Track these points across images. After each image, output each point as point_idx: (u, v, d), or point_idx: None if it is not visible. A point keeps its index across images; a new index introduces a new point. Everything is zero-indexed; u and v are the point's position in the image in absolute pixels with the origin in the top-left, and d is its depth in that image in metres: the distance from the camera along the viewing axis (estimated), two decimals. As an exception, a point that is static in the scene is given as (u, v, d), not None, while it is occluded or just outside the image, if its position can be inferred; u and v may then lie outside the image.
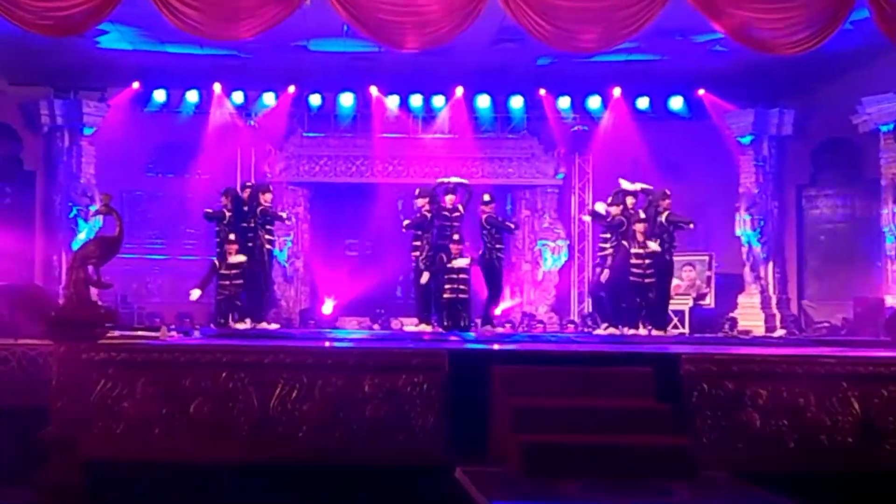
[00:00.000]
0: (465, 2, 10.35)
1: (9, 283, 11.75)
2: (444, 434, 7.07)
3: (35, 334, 7.35)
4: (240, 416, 7.06)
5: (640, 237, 11.75)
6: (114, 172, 15.89)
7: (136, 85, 16.12)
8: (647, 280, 11.73)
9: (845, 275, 15.34)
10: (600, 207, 12.75)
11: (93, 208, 15.26)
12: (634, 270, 11.76)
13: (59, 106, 15.95)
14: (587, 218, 12.74)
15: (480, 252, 12.15)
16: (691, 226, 12.31)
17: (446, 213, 12.00)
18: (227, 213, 12.08)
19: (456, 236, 11.81)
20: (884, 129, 14.41)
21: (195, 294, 12.09)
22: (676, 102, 16.53)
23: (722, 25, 10.51)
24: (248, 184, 12.87)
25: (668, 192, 12.14)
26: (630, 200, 12.18)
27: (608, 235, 12.26)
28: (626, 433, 6.79)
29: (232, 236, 11.82)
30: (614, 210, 12.15)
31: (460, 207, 12.06)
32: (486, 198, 12.35)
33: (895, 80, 13.90)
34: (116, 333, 8.40)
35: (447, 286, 11.69)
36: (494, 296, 12.50)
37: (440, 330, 11.66)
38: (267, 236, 12.08)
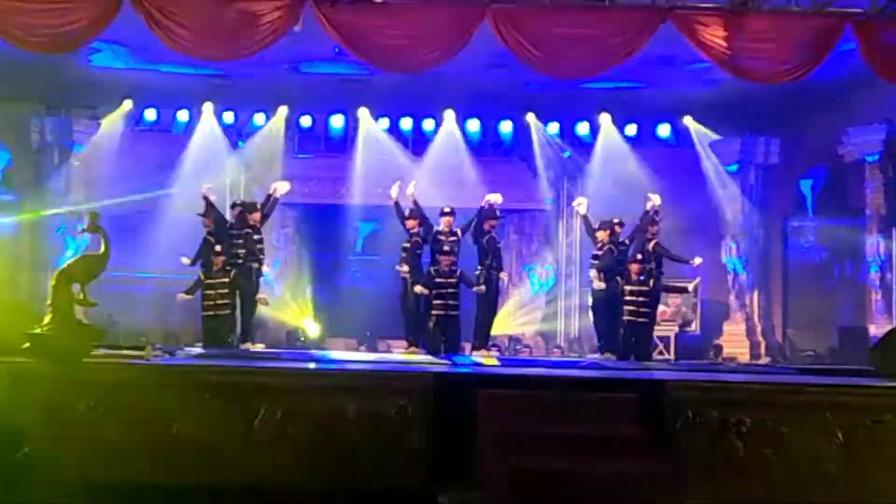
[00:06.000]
0: (456, 27, 10.47)
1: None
2: (428, 458, 7.04)
3: (19, 353, 7.31)
4: (224, 437, 7.02)
5: (634, 276, 11.68)
6: (103, 190, 15.86)
7: (127, 105, 16.13)
8: (640, 319, 11.67)
9: (830, 304, 15.38)
10: (582, 204, 12.64)
11: (80, 226, 15.22)
12: (629, 308, 11.64)
13: (49, 123, 15.95)
14: (579, 207, 12.57)
15: (477, 272, 11.97)
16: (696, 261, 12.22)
17: (441, 238, 11.95)
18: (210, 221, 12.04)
19: (447, 248, 11.69)
20: (869, 159, 14.52)
21: (182, 297, 12.02)
22: (664, 130, 16.65)
23: (709, 55, 10.64)
24: (238, 203, 12.84)
25: (657, 219, 12.16)
26: (618, 228, 12.19)
27: (599, 263, 12.16)
28: (612, 459, 6.77)
29: (218, 248, 11.78)
30: (601, 234, 12.15)
31: (458, 232, 12.00)
32: (497, 212, 12.26)
33: (880, 110, 14.04)
34: (101, 352, 8.37)
35: (436, 301, 11.58)
36: (488, 318, 12.23)
37: (428, 352, 11.61)
38: (253, 256, 12.03)
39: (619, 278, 11.78)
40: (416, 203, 12.01)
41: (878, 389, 7.55)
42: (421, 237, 11.94)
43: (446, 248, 11.70)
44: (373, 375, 7.50)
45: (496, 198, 12.29)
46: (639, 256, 11.75)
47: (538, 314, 17.10)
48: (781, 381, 8.23)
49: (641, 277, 11.65)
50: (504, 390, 7.52)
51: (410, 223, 12.03)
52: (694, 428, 7.09)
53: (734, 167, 16.45)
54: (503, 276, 11.89)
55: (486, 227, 11.97)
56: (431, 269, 11.63)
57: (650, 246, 11.94)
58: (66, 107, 16.07)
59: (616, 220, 12.22)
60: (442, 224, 11.97)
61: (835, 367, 11.46)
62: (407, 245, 11.98)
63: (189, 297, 11.96)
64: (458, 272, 11.69)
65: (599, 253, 12.08)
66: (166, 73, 14.57)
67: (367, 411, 7.08)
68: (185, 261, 11.99)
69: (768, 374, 10.65)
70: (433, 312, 11.60)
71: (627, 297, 11.66)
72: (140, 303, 16.33)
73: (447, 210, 12.16)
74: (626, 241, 12.15)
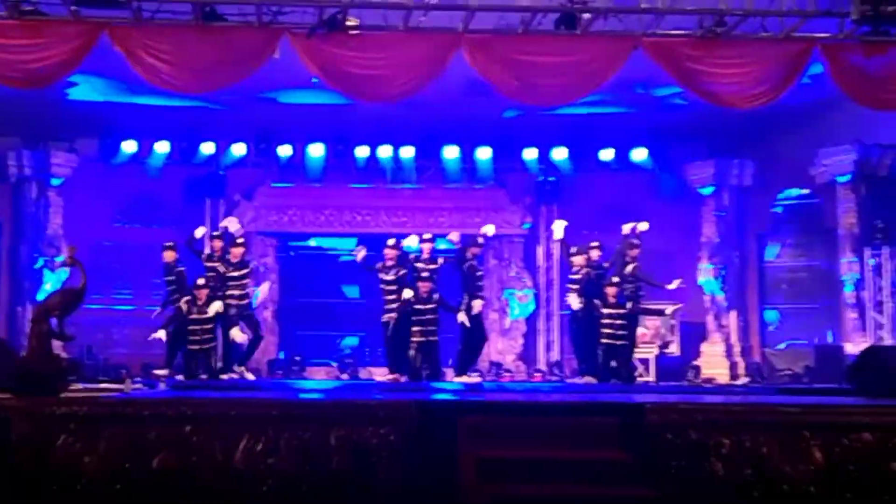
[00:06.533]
0: (431, 57, 10.57)
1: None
2: (411, 486, 7.02)
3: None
4: (205, 469, 6.96)
5: (611, 299, 11.75)
6: (81, 223, 15.84)
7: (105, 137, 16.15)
8: (618, 342, 11.73)
9: (806, 323, 15.52)
10: (559, 228, 12.71)
11: (59, 259, 15.19)
12: (606, 331, 11.71)
13: (27, 157, 15.93)
14: (556, 231, 12.67)
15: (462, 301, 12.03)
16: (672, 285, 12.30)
17: (420, 265, 11.99)
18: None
19: (425, 274, 11.73)
20: (840, 180, 14.68)
21: (160, 334, 12.00)
22: (639, 154, 16.74)
23: (681, 81, 10.79)
24: (217, 234, 12.83)
25: (637, 242, 12.24)
26: (595, 253, 12.26)
27: (576, 287, 12.24)
28: (593, 484, 6.78)
29: (201, 280, 11.77)
30: (578, 260, 12.22)
31: (438, 259, 12.07)
32: (480, 240, 12.35)
33: (851, 132, 14.21)
34: (79, 386, 8.35)
35: (415, 328, 11.60)
36: (473, 345, 12.25)
37: (409, 379, 11.62)
38: (235, 290, 12.02)
39: (596, 301, 11.85)
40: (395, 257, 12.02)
41: (854, 408, 7.61)
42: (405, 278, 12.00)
43: (425, 274, 11.76)
44: (355, 405, 7.48)
45: (489, 229, 12.43)
46: (615, 280, 11.83)
47: (518, 339, 17.15)
48: (759, 402, 8.26)
49: (618, 300, 11.72)
50: (485, 416, 7.52)
51: (389, 252, 12.09)
52: (674, 450, 7.08)
53: (709, 189, 16.58)
54: (476, 303, 11.92)
55: (469, 254, 12.06)
56: (410, 295, 11.68)
57: (629, 269, 12.02)
58: (43, 140, 16.06)
59: (593, 244, 12.31)
60: (423, 251, 12.04)
61: (812, 387, 11.57)
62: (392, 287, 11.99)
63: (164, 333, 11.94)
64: (437, 297, 11.74)
65: (577, 277, 12.16)
66: (144, 105, 14.60)
67: (350, 440, 7.04)
68: (161, 334, 11.95)
69: (746, 394, 10.72)
70: (413, 340, 11.64)
71: (604, 321, 11.72)
72: (119, 335, 16.30)
73: (427, 237, 12.24)
74: (605, 265, 12.24)
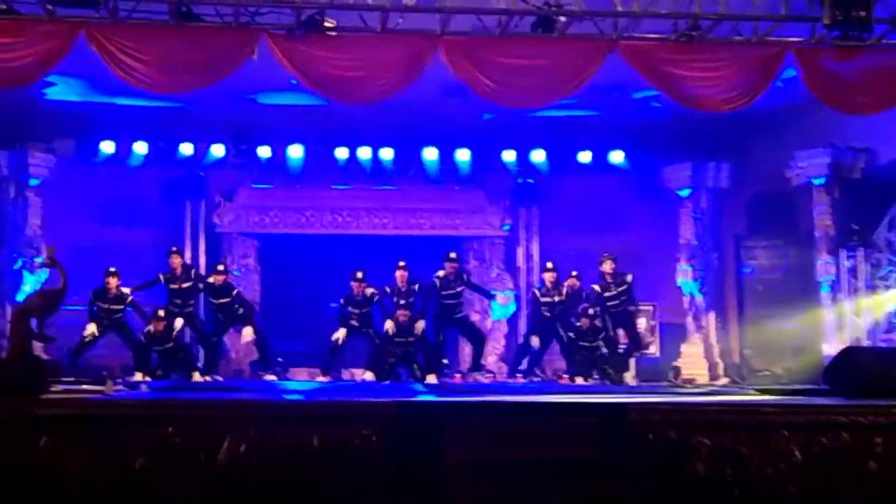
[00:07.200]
0: (410, 58, 10.62)
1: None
2: (395, 489, 7.03)
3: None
4: (187, 471, 6.96)
5: (585, 327, 12.39)
6: (60, 224, 15.71)
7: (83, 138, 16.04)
8: (595, 342, 12.32)
9: (784, 323, 15.49)
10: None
11: (38, 260, 15.07)
12: (582, 343, 12.39)
13: (4, 157, 15.76)
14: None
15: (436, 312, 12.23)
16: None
17: (398, 290, 12.18)
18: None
19: (402, 301, 11.86)
20: (815, 182, 14.77)
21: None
22: (617, 156, 16.78)
23: (656, 84, 10.92)
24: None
25: (608, 254, 12.43)
26: (575, 282, 12.75)
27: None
28: (576, 484, 6.90)
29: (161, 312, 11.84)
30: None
31: (415, 288, 12.18)
32: (452, 255, 12.49)
33: (825, 134, 14.34)
34: (60, 388, 8.30)
35: (397, 339, 11.74)
36: (481, 344, 12.73)
37: (390, 381, 11.68)
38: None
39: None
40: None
41: (832, 408, 7.68)
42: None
43: (402, 301, 11.86)
44: (337, 406, 7.50)
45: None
46: (592, 311, 12.36)
47: (500, 340, 17.19)
48: (739, 402, 8.34)
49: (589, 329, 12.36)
50: (468, 418, 7.55)
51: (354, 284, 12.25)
52: (655, 450, 7.16)
53: (686, 191, 16.65)
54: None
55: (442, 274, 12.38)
56: (389, 325, 11.79)
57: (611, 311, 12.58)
58: (20, 141, 15.93)
59: (573, 274, 12.86)
60: (397, 279, 12.11)
61: (790, 388, 11.68)
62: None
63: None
64: (418, 323, 11.88)
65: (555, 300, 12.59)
66: (122, 105, 14.52)
67: (333, 442, 7.06)
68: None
69: (726, 395, 10.81)
70: (393, 349, 11.82)
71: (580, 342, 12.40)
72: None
73: (401, 264, 12.31)
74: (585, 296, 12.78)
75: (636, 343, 13.44)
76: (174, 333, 11.84)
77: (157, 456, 6.95)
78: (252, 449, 7.01)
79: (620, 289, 12.93)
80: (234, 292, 12.76)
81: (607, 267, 12.54)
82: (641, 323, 13.61)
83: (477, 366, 12.62)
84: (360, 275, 12.13)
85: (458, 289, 12.22)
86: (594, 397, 9.34)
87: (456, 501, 6.81)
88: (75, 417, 7.02)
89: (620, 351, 13.41)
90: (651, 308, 15.74)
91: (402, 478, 7.09)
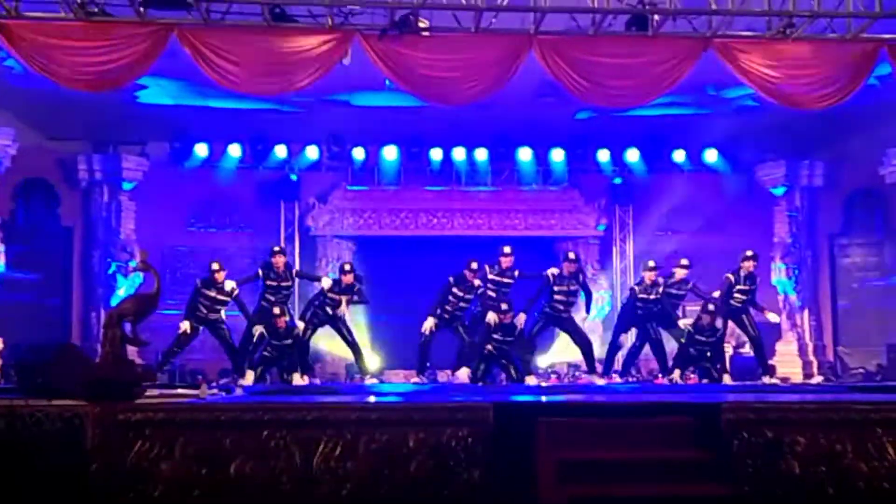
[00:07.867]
0: (504, 59, 10.55)
1: (44, 342, 11.69)
2: (489, 489, 6.88)
3: (70, 395, 7.18)
4: (282, 475, 6.84)
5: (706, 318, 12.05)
6: (154, 228, 15.91)
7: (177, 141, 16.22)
8: (711, 339, 12.06)
9: (878, 321, 15.43)
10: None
11: (132, 264, 15.24)
12: (699, 337, 12.06)
13: (97, 161, 16.05)
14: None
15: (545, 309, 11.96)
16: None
17: (496, 278, 11.88)
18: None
19: (504, 306, 11.60)
20: (910, 179, 14.44)
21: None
22: (711, 155, 16.80)
23: (750, 82, 10.78)
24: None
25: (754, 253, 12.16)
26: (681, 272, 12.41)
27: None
28: (670, 484, 6.78)
29: (277, 310, 11.70)
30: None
31: (515, 274, 11.95)
32: (571, 255, 12.31)
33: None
34: (155, 392, 8.24)
35: (496, 335, 11.52)
36: (588, 345, 12.49)
37: (486, 382, 11.56)
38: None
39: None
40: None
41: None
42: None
43: (506, 280, 11.84)
44: (433, 408, 7.30)
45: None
46: (711, 307, 12.03)
47: (595, 340, 16.82)
48: (833, 400, 8.12)
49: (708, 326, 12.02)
50: (562, 418, 7.36)
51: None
52: (750, 449, 7.04)
53: (781, 190, 16.75)
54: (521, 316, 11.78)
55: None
56: (492, 317, 11.56)
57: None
58: (113, 144, 16.17)
59: (682, 263, 12.44)
60: (503, 263, 11.82)
61: (885, 385, 11.47)
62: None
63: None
64: (519, 316, 11.62)
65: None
66: (215, 107, 14.58)
67: (428, 444, 6.92)
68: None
69: (820, 392, 10.65)
70: (489, 347, 11.64)
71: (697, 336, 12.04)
72: (195, 341, 16.28)
73: (506, 251, 12.07)
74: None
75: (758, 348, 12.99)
76: (295, 331, 11.71)
77: (252, 460, 6.83)
78: (347, 452, 6.85)
79: (751, 287, 12.44)
80: (357, 288, 12.54)
81: (749, 265, 12.04)
82: (772, 317, 13.19)
83: (591, 367, 12.40)
84: (474, 265, 11.97)
85: (573, 287, 11.89)
86: (689, 396, 9.11)
87: (551, 502, 6.66)
88: (169, 422, 6.93)
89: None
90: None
91: (498, 478, 6.91)
